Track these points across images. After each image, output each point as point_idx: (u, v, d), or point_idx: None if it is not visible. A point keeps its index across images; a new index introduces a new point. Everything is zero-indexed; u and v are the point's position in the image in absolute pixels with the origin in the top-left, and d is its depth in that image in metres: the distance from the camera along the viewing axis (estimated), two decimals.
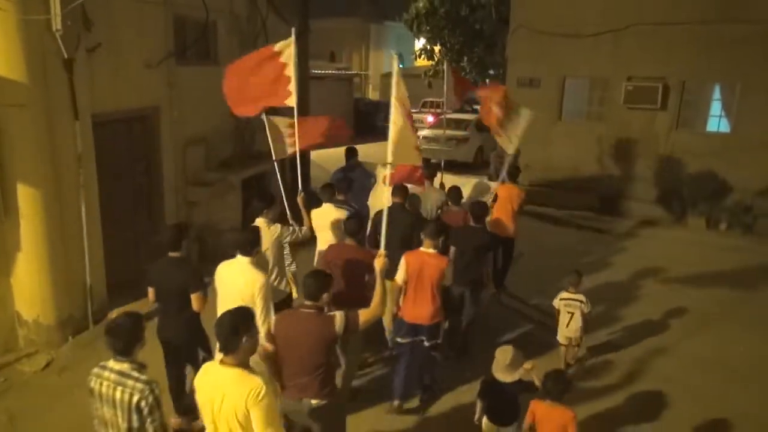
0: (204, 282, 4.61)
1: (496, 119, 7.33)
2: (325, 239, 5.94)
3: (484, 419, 4.28)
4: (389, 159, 4.42)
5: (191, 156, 8.45)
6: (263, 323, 4.08)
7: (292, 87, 6.00)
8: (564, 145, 12.93)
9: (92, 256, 6.46)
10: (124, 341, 3.11)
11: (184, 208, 8.37)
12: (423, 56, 23.40)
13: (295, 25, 11.69)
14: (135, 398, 3.03)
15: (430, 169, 7.34)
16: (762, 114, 10.79)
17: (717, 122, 11.82)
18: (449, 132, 16.17)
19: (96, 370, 3.18)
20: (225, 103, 9.44)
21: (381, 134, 9.33)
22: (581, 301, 5.74)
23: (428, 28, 21.33)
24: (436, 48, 22.56)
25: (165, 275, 4.59)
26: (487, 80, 22.41)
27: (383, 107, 23.92)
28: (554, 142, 13.01)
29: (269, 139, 6.30)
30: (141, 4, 7.09)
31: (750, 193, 10.84)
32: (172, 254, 4.65)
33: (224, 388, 2.93)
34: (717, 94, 11.90)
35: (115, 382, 3.09)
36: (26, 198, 5.80)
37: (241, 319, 3.03)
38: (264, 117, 6.26)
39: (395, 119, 4.34)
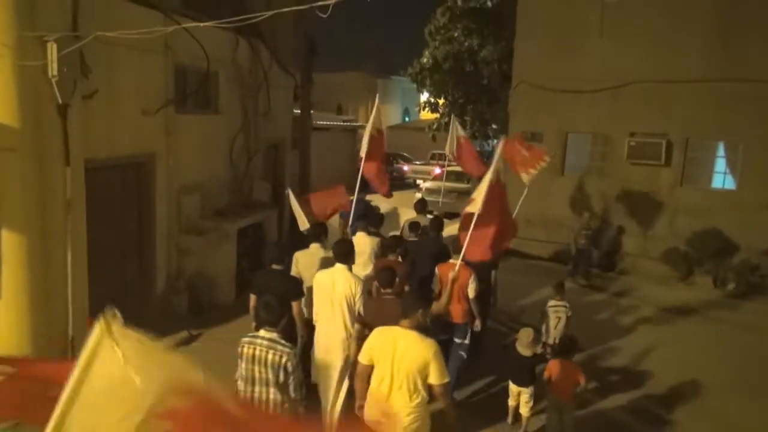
0: (303, 292, 5.46)
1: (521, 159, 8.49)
2: (360, 262, 6.52)
3: (510, 383, 5.73)
4: None
5: (186, 204, 8.35)
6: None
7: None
8: (566, 200, 12.81)
9: (76, 305, 6.24)
10: (275, 316, 4.13)
11: (176, 256, 8.21)
12: (427, 109, 23.66)
13: (298, 77, 11.96)
14: (284, 359, 4.00)
15: (436, 222, 7.62)
16: (766, 172, 10.69)
17: (722, 179, 11.72)
18: (449, 184, 16.10)
19: (247, 338, 4.15)
20: (223, 152, 9.46)
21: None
22: (566, 306, 6.91)
23: (432, 82, 21.64)
24: (440, 101, 22.84)
25: (269, 284, 5.30)
26: (490, 134, 22.58)
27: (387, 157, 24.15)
28: (556, 197, 12.91)
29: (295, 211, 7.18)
30: (142, 52, 7.12)
31: (756, 252, 10.61)
32: (275, 267, 5.55)
33: (406, 344, 3.83)
34: (721, 151, 11.84)
35: (267, 347, 4.04)
36: (10, 244, 5.65)
37: (417, 296, 4.50)
38: (289, 192, 7.56)
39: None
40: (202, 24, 5.24)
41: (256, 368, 4.06)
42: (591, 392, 6.29)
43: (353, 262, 5.51)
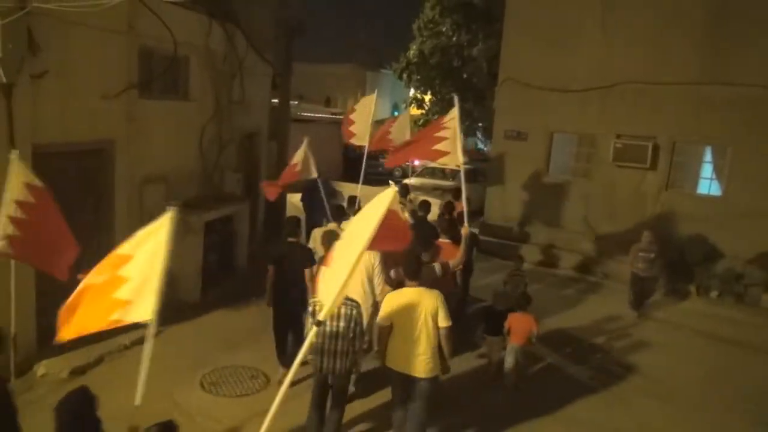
0: (314, 261, 6.15)
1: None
2: None
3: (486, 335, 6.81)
4: None
5: (149, 195, 7.90)
6: (381, 290, 5.96)
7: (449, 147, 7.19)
8: (549, 201, 12.52)
9: (21, 302, 5.81)
10: None
11: None
12: (414, 105, 23.29)
13: (276, 66, 11.53)
14: (355, 312, 4.82)
15: (425, 204, 8.69)
16: (753, 179, 10.47)
17: (708, 185, 11.47)
18: (435, 182, 15.81)
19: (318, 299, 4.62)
20: (192, 141, 8.97)
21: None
22: (523, 276, 8.20)
23: (419, 77, 21.27)
24: (427, 97, 22.48)
25: (286, 255, 6.18)
26: (478, 132, 22.27)
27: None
28: (539, 199, 12.63)
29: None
30: (101, 32, 6.67)
31: (741, 260, 10.37)
32: (291, 239, 6.36)
33: (418, 298, 4.72)
34: (708, 156, 11.60)
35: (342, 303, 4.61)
36: None
37: (420, 259, 5.14)
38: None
39: None
40: None
41: (336, 323, 4.76)
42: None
43: None
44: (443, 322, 4.72)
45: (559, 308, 9.50)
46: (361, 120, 9.89)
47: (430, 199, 9.43)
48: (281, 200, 12.60)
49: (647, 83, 11.22)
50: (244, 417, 5.61)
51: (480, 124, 20.45)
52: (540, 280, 10.72)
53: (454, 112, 7.37)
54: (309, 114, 22.00)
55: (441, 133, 7.42)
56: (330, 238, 6.74)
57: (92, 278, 3.76)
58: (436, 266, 6.15)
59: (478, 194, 13.91)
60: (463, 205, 7.16)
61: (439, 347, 4.83)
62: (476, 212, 13.00)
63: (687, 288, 10.62)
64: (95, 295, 3.70)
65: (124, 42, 7.15)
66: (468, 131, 22.11)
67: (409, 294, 4.81)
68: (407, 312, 4.75)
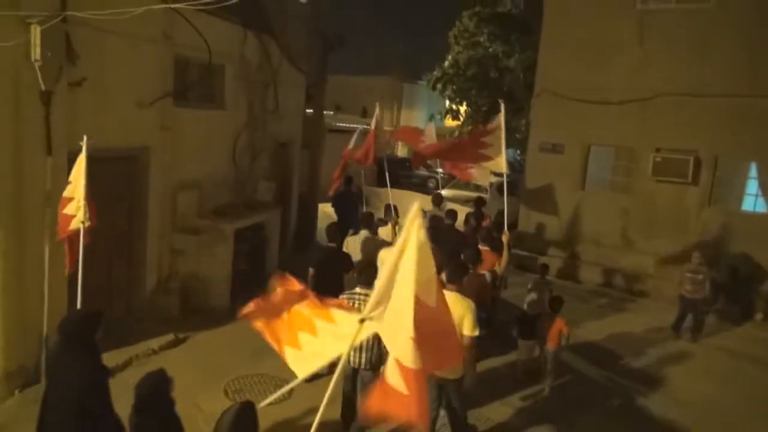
0: (353, 265, 6.51)
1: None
2: None
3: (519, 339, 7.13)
4: None
5: (182, 201, 8.01)
6: None
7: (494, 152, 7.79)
8: (586, 216, 12.24)
9: (53, 303, 5.93)
10: (373, 276, 4.72)
11: (168, 255, 7.87)
12: (449, 116, 23.16)
13: (311, 76, 11.62)
14: None
15: (451, 213, 8.91)
16: None
17: (753, 201, 11.02)
18: (468, 193, 15.70)
19: (346, 294, 5.10)
20: (225, 149, 9.08)
21: (399, 185, 9.91)
22: (548, 283, 8.28)
23: (454, 88, 21.14)
24: (462, 108, 22.31)
25: (325, 259, 6.65)
26: (514, 143, 21.91)
27: (405, 162, 23.86)
28: (575, 213, 12.35)
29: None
30: (138, 41, 6.80)
31: None
32: (330, 245, 6.93)
33: (451, 303, 4.16)
34: (753, 171, 11.15)
35: (365, 300, 4.25)
36: None
37: (465, 264, 5.75)
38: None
39: None
40: (178, 5, 4.82)
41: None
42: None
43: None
44: (468, 330, 4.82)
45: (592, 323, 9.27)
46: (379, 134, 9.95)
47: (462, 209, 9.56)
48: (313, 209, 12.66)
49: (688, 95, 10.86)
50: (267, 425, 5.57)
51: (517, 136, 20.13)
52: (574, 295, 10.45)
53: (500, 119, 7.72)
54: (345, 124, 22.13)
55: (486, 139, 7.88)
56: (368, 247, 7.21)
57: (301, 306, 3.67)
58: (487, 274, 6.70)
59: (512, 207, 13.68)
60: (504, 214, 7.88)
61: None
62: (510, 225, 12.76)
63: (731, 309, 10.18)
64: (291, 319, 3.69)
65: (160, 51, 7.27)
66: (507, 142, 21.82)
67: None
68: None
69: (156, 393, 3.53)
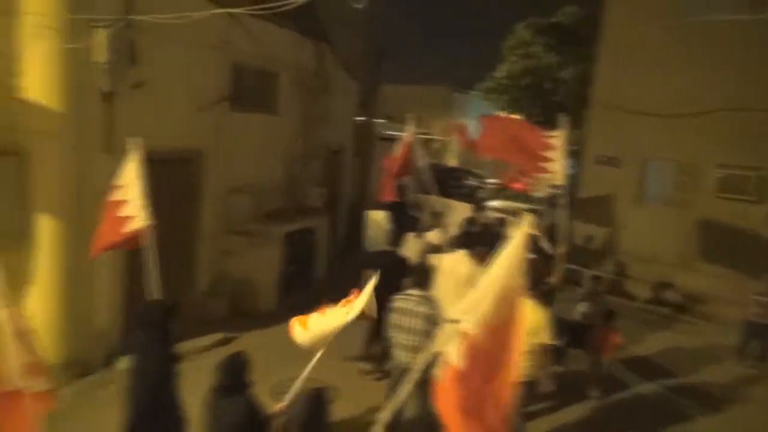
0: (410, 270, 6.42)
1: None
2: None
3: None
4: None
5: (234, 204, 8.14)
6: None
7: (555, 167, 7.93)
8: (641, 232, 11.82)
9: (106, 297, 6.12)
10: (427, 280, 5.24)
11: (219, 257, 8.00)
12: None
13: (364, 85, 11.69)
14: (434, 311, 4.96)
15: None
16: None
17: None
18: (518, 204, 15.47)
19: (401, 295, 5.18)
20: (277, 154, 9.19)
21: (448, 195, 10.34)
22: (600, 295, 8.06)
23: (506, 98, 20.92)
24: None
25: (378, 262, 6.40)
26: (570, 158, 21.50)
27: (455, 172, 23.71)
28: (631, 229, 11.94)
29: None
30: (198, 47, 6.98)
31: None
32: (389, 249, 7.21)
33: (528, 310, 4.34)
34: None
35: (418, 301, 5.04)
36: (44, 228, 5.57)
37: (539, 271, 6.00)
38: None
39: None
40: (237, 10, 4.91)
41: (407, 318, 5.05)
42: None
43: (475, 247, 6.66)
44: (546, 339, 5.09)
45: (644, 339, 8.93)
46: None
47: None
48: (362, 216, 12.68)
49: (753, 110, 10.38)
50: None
51: (570, 148, 19.77)
52: (624, 311, 10.06)
53: (561, 133, 7.90)
54: (396, 133, 22.18)
55: (548, 153, 8.01)
56: (421, 251, 7.36)
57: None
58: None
59: (566, 220, 13.40)
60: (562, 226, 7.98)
61: None
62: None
63: None
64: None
65: (219, 57, 7.45)
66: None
67: None
68: None
69: (238, 373, 3.68)
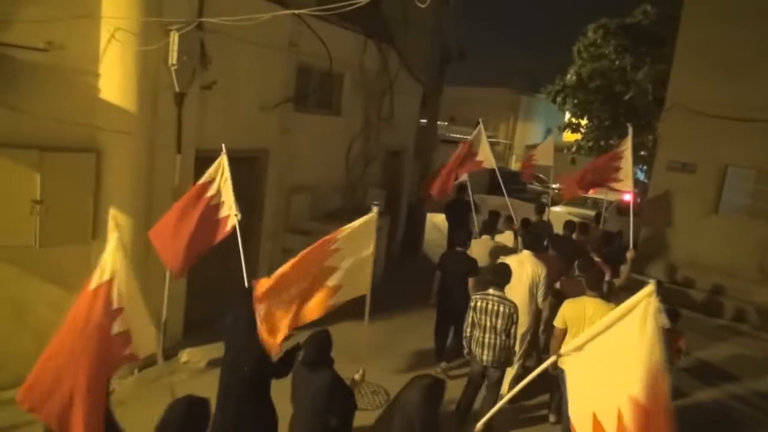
0: (478, 271, 6.74)
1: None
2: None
3: None
4: None
5: (295, 203, 8.27)
6: (543, 298, 6.31)
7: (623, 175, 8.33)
8: (716, 243, 11.21)
9: (172, 291, 6.32)
10: (505, 279, 5.46)
11: (278, 254, 8.14)
12: (568, 130, 22.29)
13: (428, 87, 11.62)
14: (512, 310, 5.27)
15: (570, 224, 8.90)
16: None
17: None
18: (580, 210, 15.05)
19: (479, 295, 5.43)
20: (339, 154, 9.28)
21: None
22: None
23: (575, 101, 20.32)
24: (583, 122, 21.39)
25: (454, 263, 6.88)
26: (639, 163, 20.62)
27: (516, 176, 23.25)
28: (706, 239, 11.35)
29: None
30: (265, 48, 7.12)
31: None
32: (459, 249, 7.06)
33: (594, 309, 4.99)
34: None
35: (498, 301, 5.30)
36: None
37: (602, 272, 6.01)
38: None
39: None
40: (303, 11, 4.95)
41: (487, 317, 5.30)
42: None
43: (540, 248, 7.07)
44: None
45: (722, 360, 8.43)
46: (484, 148, 9.45)
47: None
48: (421, 218, 12.63)
49: None
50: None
51: (641, 153, 18.93)
52: (700, 329, 9.57)
53: (628, 142, 8.13)
54: (458, 135, 22.00)
55: (617, 163, 8.36)
56: (495, 252, 7.51)
57: (300, 284, 4.37)
58: (603, 285, 6.66)
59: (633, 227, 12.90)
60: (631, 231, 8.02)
61: None
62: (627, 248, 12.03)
63: None
64: (309, 289, 4.40)
65: (285, 58, 7.58)
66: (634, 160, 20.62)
67: (586, 303, 5.14)
68: (582, 320, 5.06)
69: (322, 348, 3.95)
